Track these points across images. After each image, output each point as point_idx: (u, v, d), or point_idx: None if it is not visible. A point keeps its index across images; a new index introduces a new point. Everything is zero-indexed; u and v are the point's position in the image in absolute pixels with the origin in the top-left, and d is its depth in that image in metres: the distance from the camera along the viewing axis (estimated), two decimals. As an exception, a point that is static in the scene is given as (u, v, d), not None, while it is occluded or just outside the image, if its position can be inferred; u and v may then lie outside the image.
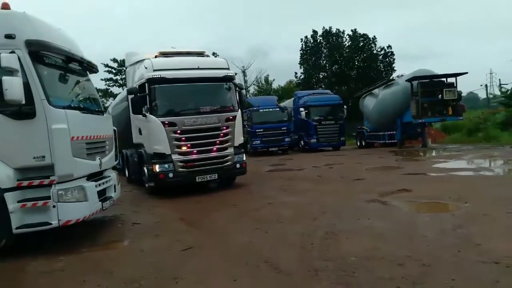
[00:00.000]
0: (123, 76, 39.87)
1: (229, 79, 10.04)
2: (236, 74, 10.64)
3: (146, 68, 9.37)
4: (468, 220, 5.75)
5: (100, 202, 6.22)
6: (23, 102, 5.10)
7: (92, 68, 7.22)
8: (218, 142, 9.61)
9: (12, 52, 5.15)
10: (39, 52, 5.50)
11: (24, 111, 5.21)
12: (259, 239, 5.47)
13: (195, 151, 9.33)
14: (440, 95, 18.34)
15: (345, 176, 11.21)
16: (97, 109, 6.99)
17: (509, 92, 25.45)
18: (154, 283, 4.08)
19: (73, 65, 6.47)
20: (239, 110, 10.22)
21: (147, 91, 9.19)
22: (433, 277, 3.68)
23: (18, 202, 5.24)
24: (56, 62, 5.97)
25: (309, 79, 42.04)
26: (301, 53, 42.74)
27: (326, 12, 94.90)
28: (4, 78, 4.93)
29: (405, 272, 3.82)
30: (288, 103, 27.42)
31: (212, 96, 9.94)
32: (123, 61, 37.46)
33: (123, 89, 27.28)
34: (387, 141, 21.85)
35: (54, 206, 5.33)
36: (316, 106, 22.98)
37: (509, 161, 12.32)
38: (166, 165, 9.09)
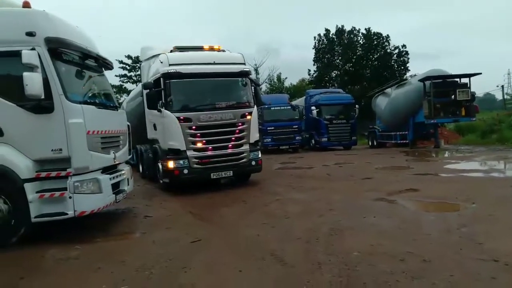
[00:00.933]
0: (137, 73, 40.38)
1: (245, 74, 9.94)
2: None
3: (161, 62, 9.36)
4: (473, 220, 5.82)
5: (114, 195, 6.46)
6: (42, 97, 5.34)
7: (108, 65, 7.46)
8: (233, 138, 9.52)
9: (33, 49, 5.38)
10: (58, 49, 5.73)
11: (43, 106, 5.46)
12: (266, 233, 5.63)
13: (210, 147, 9.27)
14: (453, 96, 18.20)
15: (354, 175, 11.27)
16: (111, 105, 7.21)
17: (525, 94, 25.08)
18: (164, 272, 4.28)
19: (90, 62, 6.72)
20: (255, 106, 10.12)
21: (162, 86, 9.16)
22: (433, 272, 3.79)
23: (37, 192, 5.50)
24: (73, 58, 6.20)
25: (322, 78, 41.99)
26: (315, 51, 42.70)
27: (339, 11, 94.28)
28: (25, 74, 5.16)
29: (406, 267, 3.94)
30: (299, 101, 27.46)
31: (228, 91, 9.85)
32: (137, 57, 38.27)
33: (137, 85, 27.65)
34: (399, 141, 21.74)
35: (70, 197, 5.58)
36: (328, 105, 23.01)
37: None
38: (181, 161, 9.03)
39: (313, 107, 22.96)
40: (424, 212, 6.79)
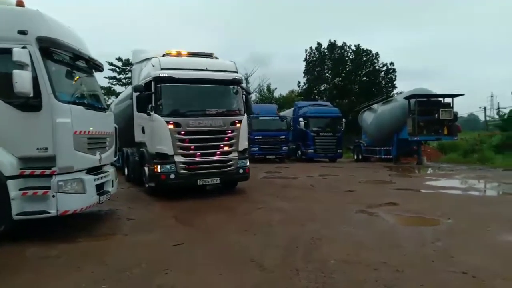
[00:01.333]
0: (127, 75, 40.26)
1: (237, 82, 10.01)
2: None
3: (153, 66, 9.36)
4: (447, 234, 6.01)
5: (98, 196, 6.47)
6: (31, 95, 5.38)
7: (98, 67, 7.51)
8: (222, 145, 9.53)
9: (24, 47, 5.43)
10: (49, 48, 5.78)
11: (31, 104, 5.49)
12: (247, 240, 5.74)
13: (198, 153, 9.26)
14: (436, 115, 18.69)
15: (337, 187, 11.47)
16: (100, 106, 7.25)
17: (505, 116, 25.82)
18: (144, 273, 4.34)
19: (80, 63, 6.78)
20: (245, 114, 10.14)
21: (153, 90, 9.13)
22: (404, 281, 3.95)
23: (20, 190, 5.50)
24: (64, 59, 6.26)
25: (311, 90, 42.51)
26: (305, 63, 43.27)
27: (331, 25, 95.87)
28: (15, 71, 5.21)
29: (379, 276, 4.09)
30: (288, 112, 27.79)
31: (219, 98, 9.84)
32: (127, 60, 38.10)
33: (126, 87, 27.56)
34: (383, 156, 22.15)
35: (53, 196, 5.59)
36: (316, 117, 23.37)
37: (500, 183, 12.58)
38: (168, 166, 8.99)
39: (301, 119, 23.30)
40: (401, 225, 6.96)
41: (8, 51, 5.26)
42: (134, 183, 11.45)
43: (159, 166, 9.03)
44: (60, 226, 6.27)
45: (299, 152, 24.16)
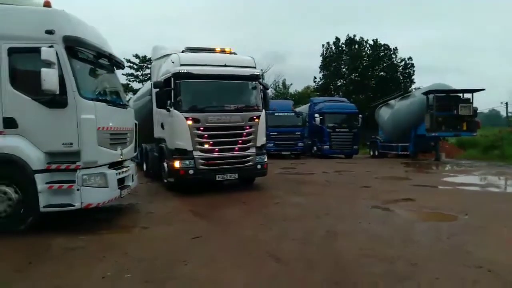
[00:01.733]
0: (144, 72, 40.84)
1: (255, 78, 10.00)
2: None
3: (173, 62, 9.42)
4: (464, 230, 6.03)
5: (119, 190, 6.69)
6: (57, 92, 5.62)
7: (119, 65, 7.75)
8: (240, 141, 9.58)
9: (51, 46, 5.67)
10: (74, 47, 6.02)
11: (57, 100, 5.74)
12: (264, 234, 5.86)
13: (217, 149, 9.33)
14: (455, 110, 18.41)
15: (353, 183, 11.49)
16: (121, 103, 7.48)
17: (528, 112, 25.27)
18: (165, 263, 4.52)
19: (103, 61, 7.01)
20: (263, 110, 10.14)
21: (172, 86, 9.18)
22: (419, 274, 4.02)
23: (46, 183, 5.76)
24: (88, 57, 6.50)
25: (327, 86, 42.22)
26: (322, 59, 42.95)
27: (348, 20, 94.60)
28: (43, 69, 5.46)
29: (394, 269, 4.17)
30: (303, 108, 27.71)
31: (237, 94, 9.94)
32: (145, 57, 38.56)
33: (143, 84, 27.94)
34: (400, 152, 21.93)
35: (78, 190, 5.83)
36: (331, 113, 23.22)
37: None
38: (187, 162, 9.06)
39: (316, 115, 23.19)
40: (417, 221, 6.97)
41: (37, 50, 5.50)
42: (153, 179, 11.68)
43: (178, 162, 9.13)
44: (83, 219, 6.52)
45: (315, 148, 24.11)
